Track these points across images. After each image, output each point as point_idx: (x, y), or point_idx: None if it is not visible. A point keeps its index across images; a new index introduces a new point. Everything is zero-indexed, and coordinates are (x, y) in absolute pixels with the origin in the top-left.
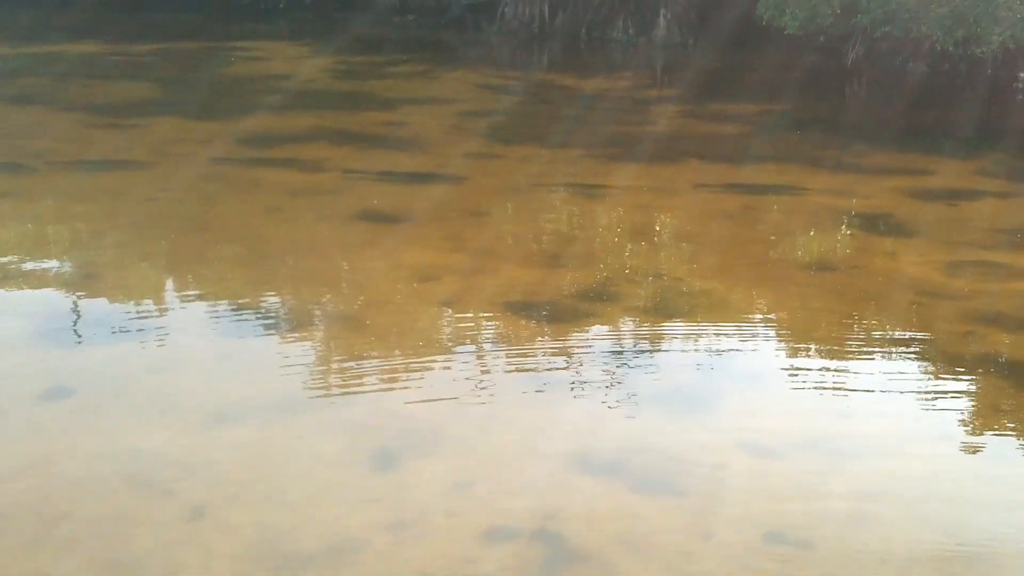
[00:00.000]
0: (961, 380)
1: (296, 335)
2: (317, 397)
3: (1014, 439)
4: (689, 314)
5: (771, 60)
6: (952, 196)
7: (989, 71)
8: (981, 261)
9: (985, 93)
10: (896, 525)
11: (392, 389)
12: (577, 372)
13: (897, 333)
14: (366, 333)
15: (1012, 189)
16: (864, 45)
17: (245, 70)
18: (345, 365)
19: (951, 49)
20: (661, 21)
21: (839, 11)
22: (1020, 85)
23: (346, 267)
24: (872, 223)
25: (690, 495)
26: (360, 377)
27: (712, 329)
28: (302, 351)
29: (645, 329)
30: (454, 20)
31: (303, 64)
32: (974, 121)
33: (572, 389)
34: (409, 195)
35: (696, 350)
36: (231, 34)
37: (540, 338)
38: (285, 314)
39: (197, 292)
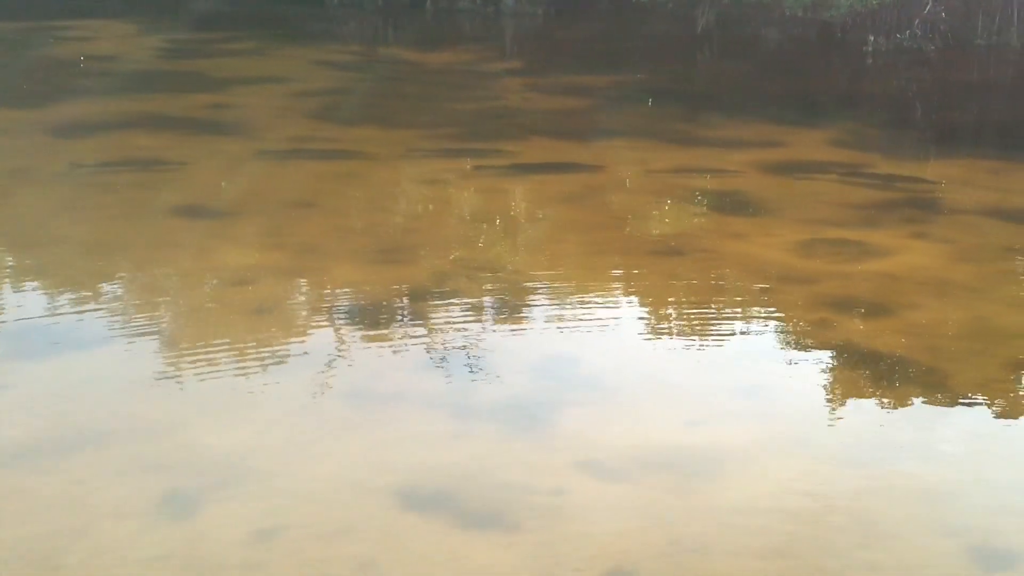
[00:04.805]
0: (815, 375)
1: (85, 356)
2: (102, 431)
3: (871, 441)
4: (528, 313)
5: (621, 29)
6: (803, 169)
7: (839, 35)
8: (834, 239)
9: (836, 58)
10: (748, 554)
11: (190, 417)
12: (404, 387)
13: (748, 325)
14: (165, 350)
15: (864, 160)
16: (714, 12)
17: (66, 51)
18: (138, 390)
19: (800, 14)
20: None
21: None
22: (870, 48)
23: (151, 271)
24: (722, 201)
25: (525, 529)
26: (154, 404)
27: (552, 329)
28: (90, 375)
29: (480, 332)
30: None
31: (129, 44)
32: (826, 88)
33: (397, 408)
34: (228, 186)
35: (534, 354)
36: (56, 13)
37: (365, 348)
38: (74, 331)
39: None
